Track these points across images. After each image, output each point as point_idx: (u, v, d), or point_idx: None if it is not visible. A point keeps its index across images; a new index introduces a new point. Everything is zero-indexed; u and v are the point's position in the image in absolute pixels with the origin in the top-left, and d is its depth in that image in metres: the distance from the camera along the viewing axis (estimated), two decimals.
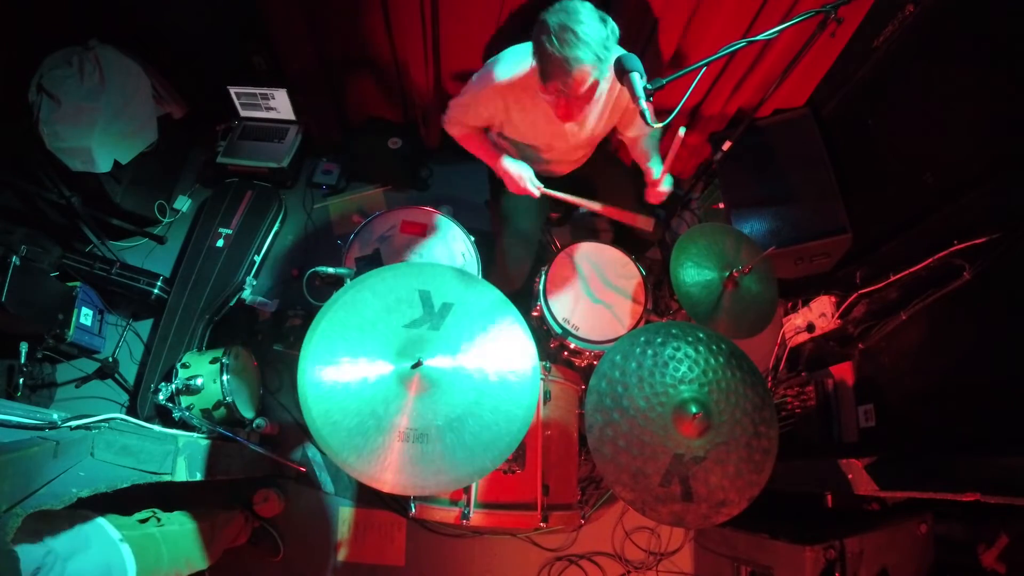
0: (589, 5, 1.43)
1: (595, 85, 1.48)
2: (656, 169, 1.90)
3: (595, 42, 1.39)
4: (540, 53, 1.45)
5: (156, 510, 1.63)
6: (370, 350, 1.35)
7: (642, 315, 1.95)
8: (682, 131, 1.48)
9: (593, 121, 1.80)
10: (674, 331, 1.45)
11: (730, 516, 1.31)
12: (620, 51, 1.46)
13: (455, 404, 1.33)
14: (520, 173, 1.80)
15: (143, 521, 1.57)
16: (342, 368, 1.32)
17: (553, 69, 1.44)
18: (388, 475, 1.25)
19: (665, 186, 1.86)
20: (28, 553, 1.19)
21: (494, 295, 1.47)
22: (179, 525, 1.67)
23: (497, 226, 2.07)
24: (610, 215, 1.86)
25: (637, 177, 2.06)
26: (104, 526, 1.41)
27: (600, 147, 2.04)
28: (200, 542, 1.71)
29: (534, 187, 1.80)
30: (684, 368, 1.40)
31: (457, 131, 1.88)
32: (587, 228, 2.72)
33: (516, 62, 1.64)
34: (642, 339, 1.42)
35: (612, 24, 1.44)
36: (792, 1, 1.89)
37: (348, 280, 1.81)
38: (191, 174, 2.89)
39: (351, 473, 1.25)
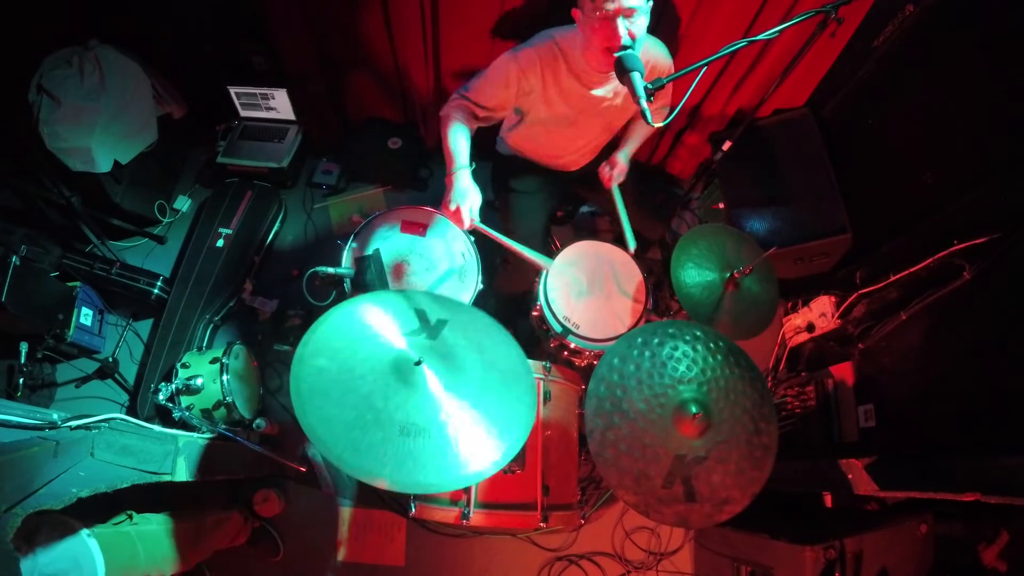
0: None
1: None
2: (623, 155, 1.97)
3: None
4: None
5: (131, 512, 1.61)
6: (371, 349, 1.35)
7: (642, 314, 1.95)
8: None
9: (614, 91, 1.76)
10: (671, 330, 1.44)
11: (733, 514, 1.31)
12: None
13: (455, 403, 1.32)
14: (466, 199, 1.67)
15: (117, 524, 1.56)
16: (341, 363, 1.30)
17: None
18: (387, 473, 1.24)
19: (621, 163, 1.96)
20: None
21: (482, 319, 1.48)
22: (158, 525, 1.65)
23: (505, 226, 2.07)
24: (517, 255, 1.81)
25: (642, 179, 2.07)
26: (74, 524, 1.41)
27: (609, 146, 2.04)
28: (183, 542, 1.69)
29: (468, 219, 1.66)
30: (683, 368, 1.40)
31: (457, 112, 1.74)
32: (588, 228, 2.72)
33: (544, 35, 1.64)
34: (639, 340, 1.42)
35: None
36: (792, 1, 1.89)
37: (348, 280, 1.82)
38: (191, 174, 2.89)
39: (348, 471, 1.24)
